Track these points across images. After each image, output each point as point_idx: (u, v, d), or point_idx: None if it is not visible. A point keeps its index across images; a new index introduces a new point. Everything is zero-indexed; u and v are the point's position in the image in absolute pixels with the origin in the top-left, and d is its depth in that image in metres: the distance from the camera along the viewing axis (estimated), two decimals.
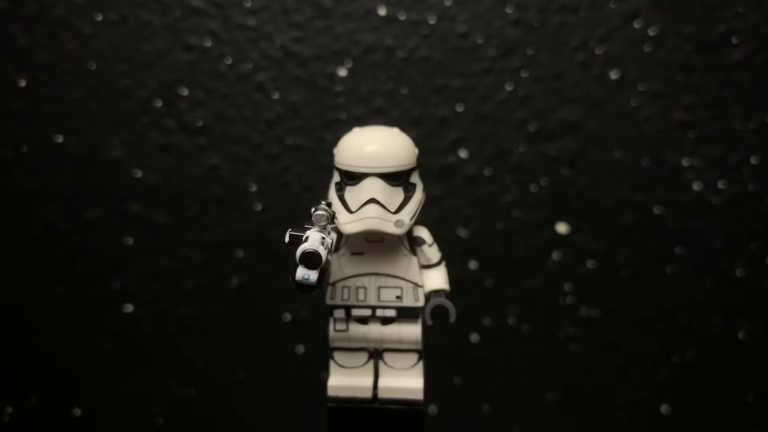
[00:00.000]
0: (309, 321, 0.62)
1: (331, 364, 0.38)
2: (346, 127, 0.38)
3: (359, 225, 0.34)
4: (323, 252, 0.31)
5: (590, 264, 0.61)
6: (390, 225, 0.35)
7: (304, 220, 0.33)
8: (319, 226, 0.32)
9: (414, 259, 0.37)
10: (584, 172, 0.59)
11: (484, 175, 0.60)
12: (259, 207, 0.61)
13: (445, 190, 0.60)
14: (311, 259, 0.31)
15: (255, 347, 0.63)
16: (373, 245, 0.37)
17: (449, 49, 0.59)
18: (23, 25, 0.59)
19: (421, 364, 0.38)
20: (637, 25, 0.58)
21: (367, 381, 0.37)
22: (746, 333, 0.61)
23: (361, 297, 0.37)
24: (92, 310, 0.62)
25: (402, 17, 0.58)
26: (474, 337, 0.62)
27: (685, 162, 0.59)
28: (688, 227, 0.60)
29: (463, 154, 0.60)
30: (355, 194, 0.35)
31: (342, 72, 0.59)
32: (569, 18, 0.58)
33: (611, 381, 0.62)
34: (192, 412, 0.64)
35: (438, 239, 0.38)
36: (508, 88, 0.59)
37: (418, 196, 0.36)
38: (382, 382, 0.37)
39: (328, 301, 0.37)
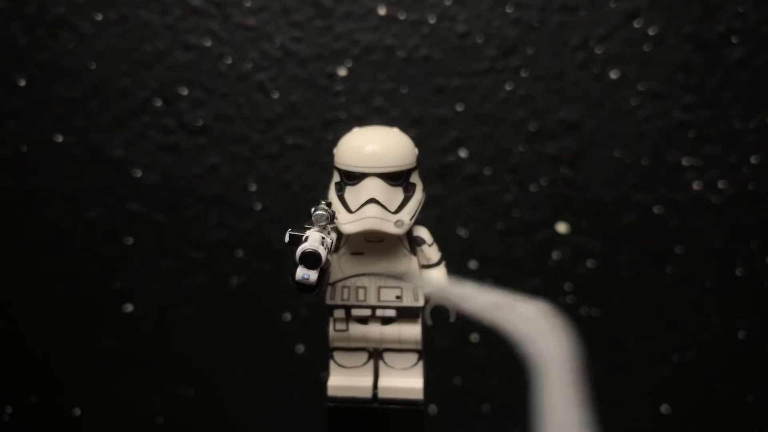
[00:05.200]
0: (309, 321, 0.62)
1: (331, 364, 0.38)
2: (346, 127, 0.38)
3: (359, 225, 0.34)
4: (323, 252, 0.31)
5: (590, 264, 0.61)
6: (390, 225, 0.35)
7: (304, 220, 0.33)
8: (319, 226, 0.33)
9: (414, 259, 0.37)
10: (584, 172, 0.59)
11: (484, 175, 0.60)
12: (259, 207, 0.61)
13: (445, 190, 0.60)
14: (311, 259, 0.31)
15: (255, 347, 0.63)
16: (373, 245, 0.37)
17: (449, 49, 0.59)
18: (23, 25, 0.59)
19: (421, 364, 0.38)
20: (637, 24, 0.58)
21: (367, 381, 0.37)
22: (746, 333, 0.61)
23: (361, 297, 0.37)
24: (92, 310, 0.62)
25: (402, 17, 0.58)
26: (474, 337, 0.62)
27: (685, 162, 0.59)
28: (688, 227, 0.60)
29: (463, 153, 0.60)
30: (354, 194, 0.35)
31: (342, 72, 0.59)
32: (569, 18, 0.58)
33: (611, 381, 0.62)
34: (192, 412, 0.64)
35: (438, 239, 0.38)
36: (508, 87, 0.59)
37: (418, 196, 0.36)
38: (382, 382, 0.37)
39: (328, 301, 0.37)
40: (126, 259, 0.61)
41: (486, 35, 0.58)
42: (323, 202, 0.33)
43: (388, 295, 0.37)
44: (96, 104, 0.59)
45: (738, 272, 0.60)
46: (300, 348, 0.63)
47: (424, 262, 0.37)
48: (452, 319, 0.36)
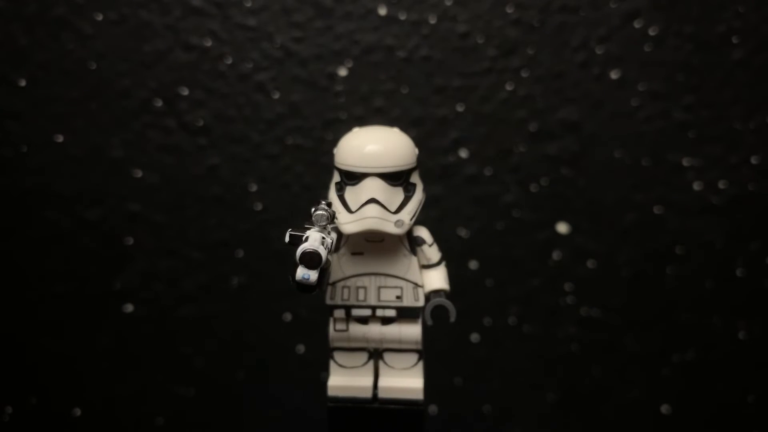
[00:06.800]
0: (309, 321, 0.62)
1: (331, 364, 0.38)
2: (346, 127, 0.38)
3: (359, 225, 0.34)
4: (323, 252, 0.31)
5: (590, 264, 0.61)
6: (390, 225, 0.35)
7: (304, 220, 0.33)
8: (319, 226, 0.33)
9: (414, 259, 0.37)
10: (584, 172, 0.59)
11: (484, 175, 0.60)
12: (259, 207, 0.61)
13: (445, 190, 0.60)
14: (311, 259, 0.31)
15: (255, 347, 0.63)
16: (373, 245, 0.37)
17: (449, 49, 0.59)
18: (23, 25, 0.59)
19: (421, 364, 0.38)
20: (637, 25, 0.58)
21: (367, 381, 0.37)
22: (746, 333, 0.61)
23: (361, 297, 0.37)
24: (92, 310, 0.62)
25: (402, 17, 0.58)
26: (474, 337, 0.62)
27: (685, 162, 0.59)
28: (688, 227, 0.60)
29: (463, 154, 0.60)
30: (355, 194, 0.35)
31: (342, 72, 0.59)
32: (569, 18, 0.58)
33: (611, 381, 0.62)
34: (192, 412, 0.64)
35: (438, 239, 0.38)
36: (508, 88, 0.59)
37: (418, 196, 0.36)
38: (382, 382, 0.37)
39: (328, 301, 0.37)
40: (126, 259, 0.61)
41: (486, 36, 0.58)
42: (323, 202, 0.33)
43: (388, 295, 0.37)
44: (96, 104, 0.60)
45: (738, 272, 0.60)
46: (300, 348, 0.63)
47: (424, 263, 0.37)
48: (452, 319, 0.36)
